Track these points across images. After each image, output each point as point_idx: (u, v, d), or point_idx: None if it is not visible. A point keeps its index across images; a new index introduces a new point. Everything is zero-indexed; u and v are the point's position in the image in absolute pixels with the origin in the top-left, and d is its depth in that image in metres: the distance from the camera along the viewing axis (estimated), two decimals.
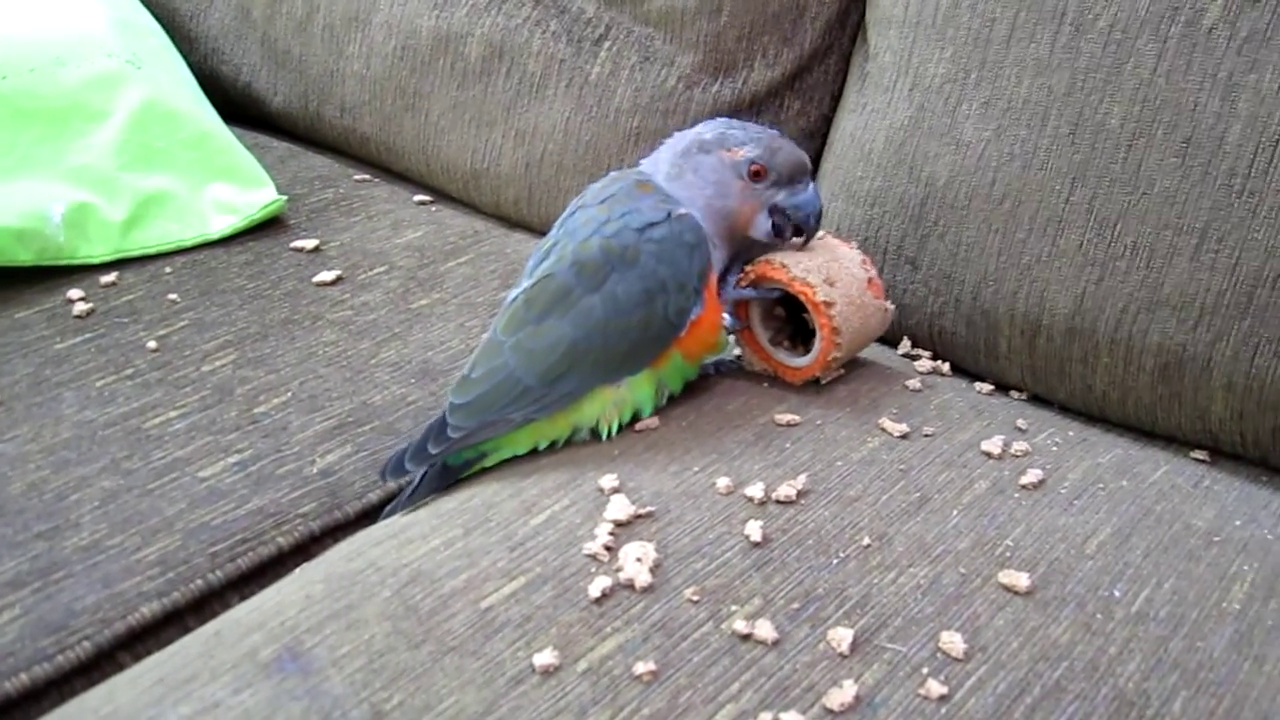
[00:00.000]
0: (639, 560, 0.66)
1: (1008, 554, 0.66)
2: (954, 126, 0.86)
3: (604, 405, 0.79)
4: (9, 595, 0.72)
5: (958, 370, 0.90)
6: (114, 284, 1.03)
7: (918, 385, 0.84)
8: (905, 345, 0.92)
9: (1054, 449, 0.77)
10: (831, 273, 0.79)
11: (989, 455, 0.76)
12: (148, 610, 0.74)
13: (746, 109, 1.03)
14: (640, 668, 0.59)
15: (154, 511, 0.79)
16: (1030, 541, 0.67)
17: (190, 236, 1.10)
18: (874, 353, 0.91)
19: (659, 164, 0.81)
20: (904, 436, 0.78)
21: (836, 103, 1.02)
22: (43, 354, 0.93)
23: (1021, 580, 0.63)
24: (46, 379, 0.90)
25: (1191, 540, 0.67)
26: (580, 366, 0.76)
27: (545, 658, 0.60)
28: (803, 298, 0.78)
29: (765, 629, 0.61)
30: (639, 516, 0.71)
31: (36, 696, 0.69)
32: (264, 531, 0.80)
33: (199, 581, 0.76)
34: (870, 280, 0.81)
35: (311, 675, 0.61)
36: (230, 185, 1.13)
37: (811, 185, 0.79)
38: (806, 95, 1.03)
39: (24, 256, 1.01)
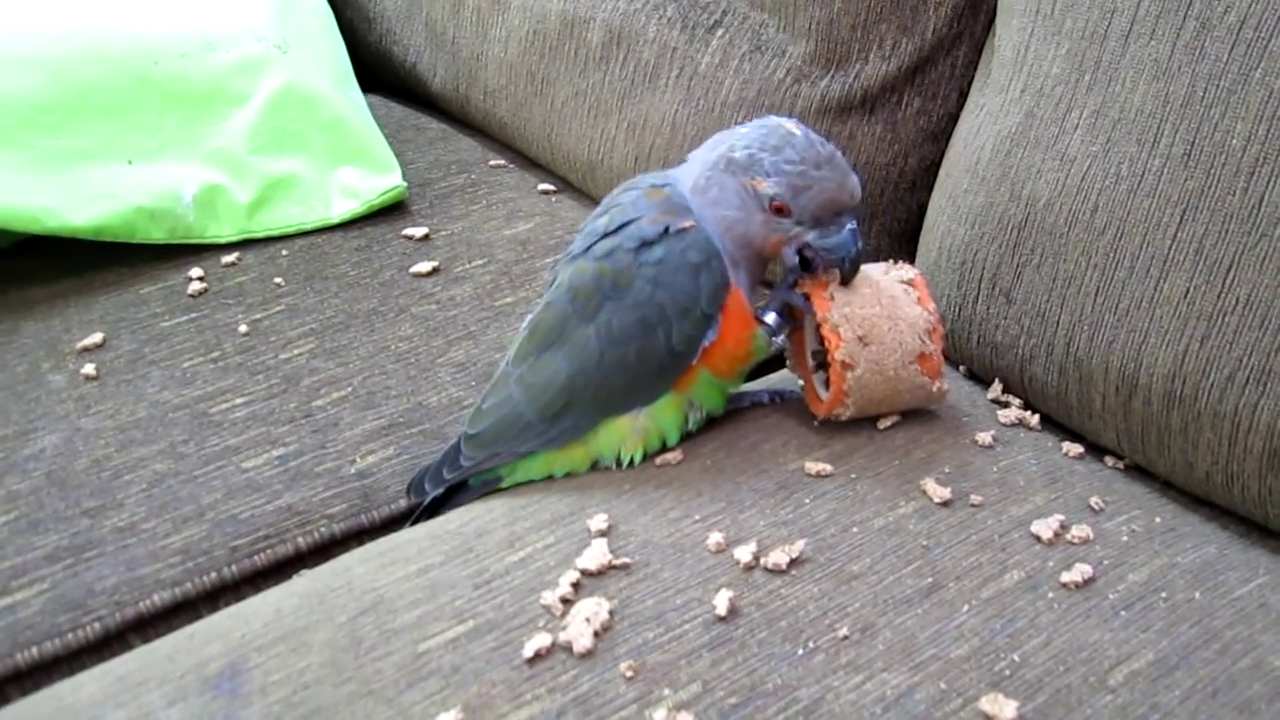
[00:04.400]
0: (587, 621, 0.61)
1: (1007, 672, 0.55)
2: (1061, 137, 0.72)
3: (621, 436, 0.73)
4: (44, 569, 0.76)
5: (1050, 424, 0.77)
6: (234, 264, 1.07)
7: (989, 440, 0.73)
8: (996, 389, 0.80)
9: (1124, 539, 0.63)
10: (875, 332, 0.69)
11: (1037, 539, 0.64)
12: (159, 598, 0.76)
13: (858, 106, 0.92)
14: None
15: (192, 499, 0.81)
16: (1044, 659, 0.56)
17: (311, 220, 1.12)
18: (957, 394, 0.80)
19: (691, 167, 0.72)
20: (945, 504, 0.67)
21: (966, 100, 0.89)
22: (149, 330, 0.98)
23: (1007, 711, 0.53)
24: (144, 356, 0.95)
25: (1256, 685, 0.53)
26: (579, 402, 0.71)
27: None
28: (827, 344, 0.69)
29: None
30: (613, 567, 0.65)
31: (46, 669, 0.73)
32: (286, 530, 0.80)
33: (213, 575, 0.77)
34: (923, 354, 0.69)
35: (238, 699, 0.61)
36: (358, 169, 1.15)
37: (848, 226, 0.68)
38: (929, 92, 0.91)
39: (156, 234, 1.07)
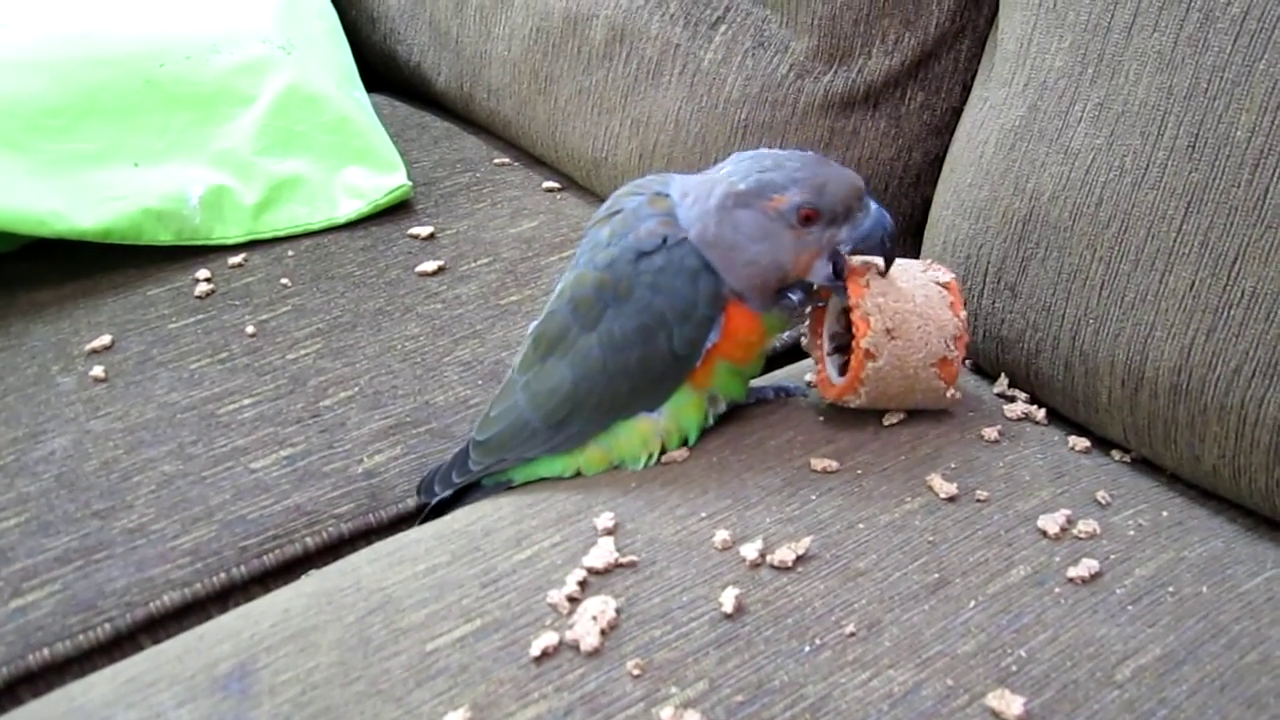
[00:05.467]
0: (594, 619, 0.61)
1: (1014, 668, 0.55)
2: (1065, 130, 0.72)
3: (644, 440, 0.73)
4: (55, 570, 0.77)
5: (1057, 418, 0.77)
6: (240, 265, 1.07)
7: (994, 435, 0.73)
8: (1002, 383, 0.79)
9: (1131, 533, 0.63)
10: (903, 327, 0.68)
11: (1043, 534, 0.64)
12: (168, 599, 0.76)
13: (862, 101, 0.92)
14: None
15: (200, 500, 0.82)
16: (1050, 654, 0.56)
17: (318, 220, 1.12)
18: (963, 388, 0.79)
19: (690, 215, 0.69)
20: (950, 499, 0.67)
21: (970, 94, 0.88)
22: (157, 332, 0.98)
23: (1014, 707, 0.53)
24: (152, 358, 0.95)
25: (1264, 680, 0.53)
26: (583, 409, 0.71)
27: None
28: (854, 330, 0.69)
29: None
30: (619, 565, 0.65)
31: (57, 670, 0.73)
32: (295, 530, 0.81)
33: (222, 575, 0.78)
34: (945, 359, 0.69)
35: (247, 699, 0.61)
36: (363, 169, 1.15)
37: (873, 205, 0.67)
38: (932, 86, 0.91)
39: (163, 236, 1.08)
